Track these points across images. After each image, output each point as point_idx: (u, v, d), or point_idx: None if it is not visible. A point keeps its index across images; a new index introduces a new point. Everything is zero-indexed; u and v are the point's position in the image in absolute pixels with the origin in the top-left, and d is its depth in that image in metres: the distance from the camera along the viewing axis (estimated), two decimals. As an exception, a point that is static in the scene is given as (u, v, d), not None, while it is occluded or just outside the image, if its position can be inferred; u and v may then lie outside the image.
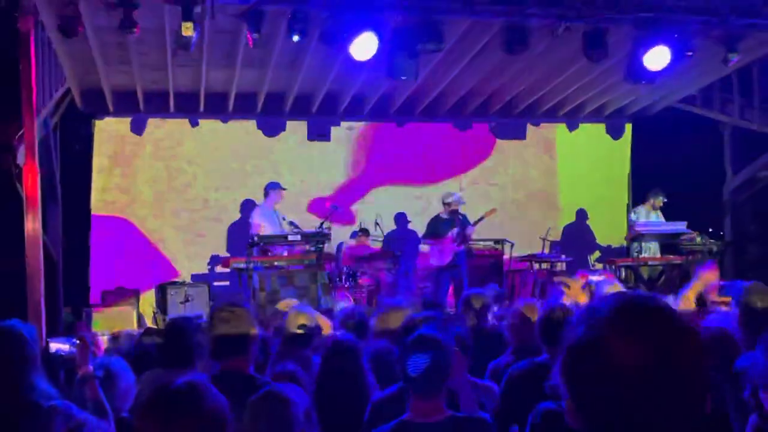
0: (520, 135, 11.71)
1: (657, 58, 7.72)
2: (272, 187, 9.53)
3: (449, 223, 9.32)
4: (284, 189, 9.55)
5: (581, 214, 11.70)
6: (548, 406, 2.72)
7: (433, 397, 2.81)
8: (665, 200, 10.05)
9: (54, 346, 3.25)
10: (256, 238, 8.74)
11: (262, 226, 9.22)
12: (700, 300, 4.18)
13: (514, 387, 3.69)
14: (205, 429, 1.73)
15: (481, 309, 5.50)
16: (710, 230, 9.98)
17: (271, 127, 10.86)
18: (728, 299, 4.40)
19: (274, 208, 9.52)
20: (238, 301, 3.34)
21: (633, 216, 10.22)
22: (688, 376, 1.09)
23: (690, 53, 7.71)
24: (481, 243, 10.37)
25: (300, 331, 4.30)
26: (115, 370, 3.13)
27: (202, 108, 10.18)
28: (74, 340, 3.10)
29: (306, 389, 3.20)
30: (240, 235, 10.08)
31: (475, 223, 9.44)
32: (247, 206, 10.40)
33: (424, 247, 9.78)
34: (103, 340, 5.75)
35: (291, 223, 9.25)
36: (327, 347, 3.65)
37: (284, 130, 10.92)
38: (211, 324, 3.23)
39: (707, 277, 4.03)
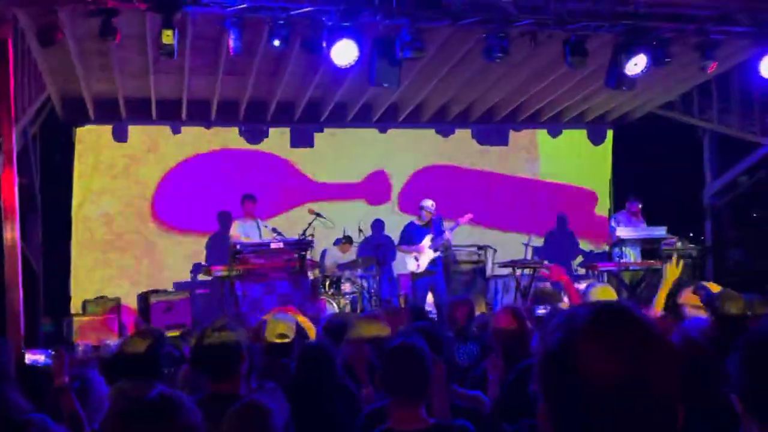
0: (503, 141, 11.77)
1: (636, 65, 7.80)
2: (245, 199, 9.59)
3: (424, 229, 9.31)
4: (252, 198, 9.58)
5: (562, 220, 11.76)
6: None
7: (414, 405, 2.82)
8: (641, 205, 10.15)
9: (30, 357, 3.21)
10: (238, 246, 8.71)
11: (240, 237, 9.24)
12: (674, 308, 4.23)
13: (518, 383, 3.71)
14: None
15: (465, 316, 5.51)
16: (690, 235, 10.07)
17: (254, 134, 10.85)
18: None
19: (253, 218, 9.52)
20: (227, 323, 3.24)
21: (614, 223, 10.30)
22: (661, 388, 1.09)
23: (668, 60, 7.79)
24: (464, 249, 10.39)
25: (279, 341, 4.27)
26: (90, 381, 3.09)
27: (184, 115, 10.14)
28: (50, 351, 3.06)
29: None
30: (218, 247, 10.09)
31: (451, 229, 9.43)
32: (223, 218, 10.39)
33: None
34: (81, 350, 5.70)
35: (273, 230, 9.23)
36: (299, 353, 3.64)
37: (267, 137, 10.92)
38: (197, 349, 3.14)
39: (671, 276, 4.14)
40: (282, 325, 4.38)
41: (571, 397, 1.10)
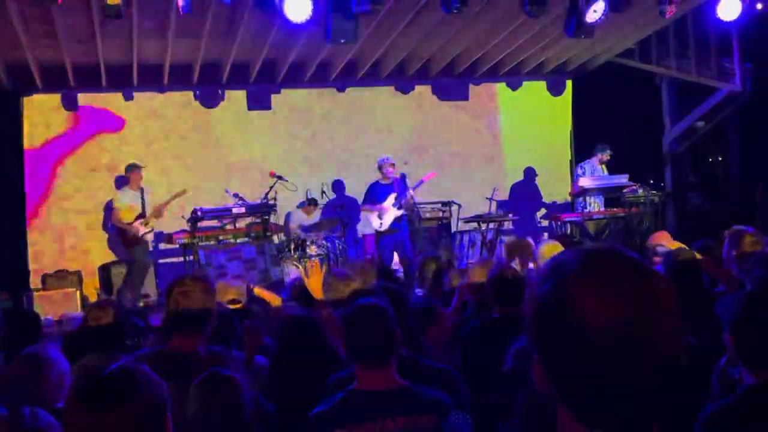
0: (463, 96, 11.67)
1: (595, 11, 7.74)
2: (130, 167, 9.30)
3: (389, 187, 9.25)
4: (137, 167, 9.27)
5: (529, 173, 11.75)
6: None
7: (380, 367, 2.65)
8: (611, 153, 10.14)
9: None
10: (199, 213, 8.55)
11: (121, 209, 9.02)
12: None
13: (471, 342, 3.72)
14: (142, 417, 1.61)
15: (436, 272, 5.46)
16: (651, 182, 10.14)
17: (210, 98, 10.59)
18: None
19: (137, 188, 9.23)
20: (198, 275, 3.07)
21: (580, 171, 10.28)
22: (664, 327, 1.02)
23: (626, 5, 7.75)
24: (429, 206, 10.35)
25: (231, 307, 4.13)
26: (47, 358, 2.90)
27: (135, 81, 9.83)
28: None
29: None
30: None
31: (415, 186, 9.39)
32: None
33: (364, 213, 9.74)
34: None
35: (235, 196, 9.07)
36: (282, 324, 3.51)
37: (224, 100, 10.67)
38: (166, 300, 3.02)
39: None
40: (232, 290, 4.25)
41: (570, 350, 1.02)
